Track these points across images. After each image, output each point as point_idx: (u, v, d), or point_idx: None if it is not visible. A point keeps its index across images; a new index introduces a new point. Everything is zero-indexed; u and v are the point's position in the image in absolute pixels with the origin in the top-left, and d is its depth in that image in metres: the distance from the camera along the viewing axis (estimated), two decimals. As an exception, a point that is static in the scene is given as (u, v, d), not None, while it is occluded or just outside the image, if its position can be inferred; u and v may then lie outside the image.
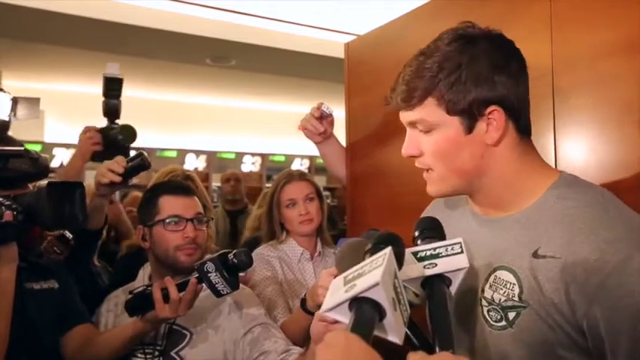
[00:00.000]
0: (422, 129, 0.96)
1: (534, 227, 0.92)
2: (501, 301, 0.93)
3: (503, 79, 0.92)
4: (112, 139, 1.97)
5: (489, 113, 0.92)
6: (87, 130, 2.01)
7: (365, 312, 0.65)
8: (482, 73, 0.91)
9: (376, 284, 0.64)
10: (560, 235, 0.88)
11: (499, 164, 0.95)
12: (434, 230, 0.89)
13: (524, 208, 0.95)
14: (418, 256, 0.83)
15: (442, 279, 0.81)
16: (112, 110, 2.03)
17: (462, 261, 0.81)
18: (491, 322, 0.94)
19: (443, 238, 0.88)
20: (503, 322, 0.92)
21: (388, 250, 0.70)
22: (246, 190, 4.69)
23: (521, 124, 0.96)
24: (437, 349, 0.70)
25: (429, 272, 0.81)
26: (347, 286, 0.68)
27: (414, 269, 0.81)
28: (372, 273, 0.66)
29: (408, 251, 0.83)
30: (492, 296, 0.94)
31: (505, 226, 0.97)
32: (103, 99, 2.03)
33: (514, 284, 0.91)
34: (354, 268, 0.71)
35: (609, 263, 0.81)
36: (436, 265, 0.81)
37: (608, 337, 0.81)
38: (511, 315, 0.91)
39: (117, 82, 2.01)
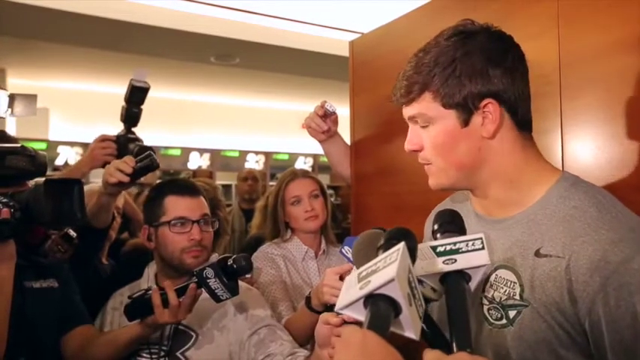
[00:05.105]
0: (421, 123, 0.98)
1: (536, 226, 0.93)
2: (502, 299, 0.93)
3: (498, 72, 0.93)
4: (129, 154, 1.87)
5: (484, 106, 0.93)
6: (103, 138, 1.95)
7: (380, 308, 0.64)
8: (477, 67, 0.92)
9: (391, 280, 0.63)
10: (562, 234, 0.89)
11: (498, 157, 0.96)
12: (454, 224, 0.86)
13: (525, 208, 0.96)
14: (437, 250, 0.80)
15: (462, 275, 0.78)
16: (131, 118, 1.98)
17: (482, 257, 0.78)
18: (492, 320, 0.95)
19: (463, 232, 0.85)
20: (504, 321, 0.93)
21: (402, 245, 0.68)
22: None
23: (520, 118, 0.97)
24: (454, 349, 0.69)
25: (448, 268, 0.78)
26: (361, 283, 0.67)
27: (432, 264, 0.79)
28: (387, 269, 0.65)
29: (427, 245, 0.80)
30: (493, 295, 0.95)
31: (507, 226, 0.97)
32: (123, 104, 1.98)
33: (515, 283, 0.92)
34: (368, 264, 0.69)
35: (611, 264, 0.82)
36: (456, 260, 0.78)
37: (609, 335, 0.82)
38: (512, 313, 0.92)
39: (143, 92, 1.97)
